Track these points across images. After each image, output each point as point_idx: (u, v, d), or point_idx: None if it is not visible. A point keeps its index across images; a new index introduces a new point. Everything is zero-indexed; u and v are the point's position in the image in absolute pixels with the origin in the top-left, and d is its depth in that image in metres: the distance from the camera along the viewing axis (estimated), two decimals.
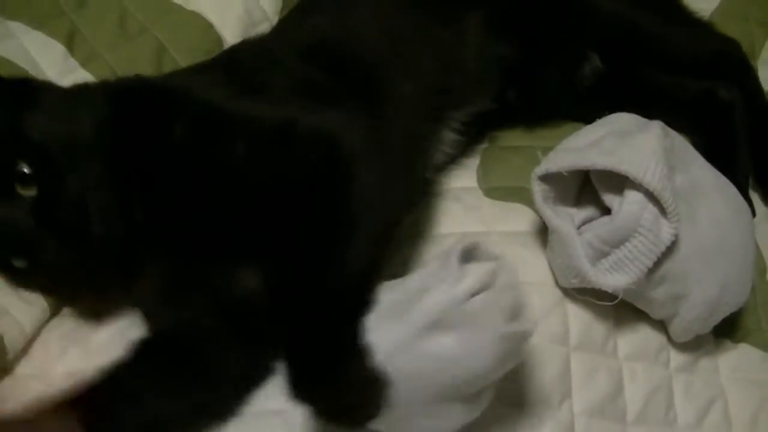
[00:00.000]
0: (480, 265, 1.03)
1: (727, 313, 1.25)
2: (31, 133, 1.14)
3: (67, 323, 1.27)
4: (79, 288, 1.24)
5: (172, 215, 1.18)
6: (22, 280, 1.23)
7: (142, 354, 1.14)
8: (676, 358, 1.29)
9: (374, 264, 1.10)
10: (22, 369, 1.23)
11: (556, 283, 1.27)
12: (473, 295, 1.00)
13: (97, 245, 1.14)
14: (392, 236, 1.18)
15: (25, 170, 1.12)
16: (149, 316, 1.21)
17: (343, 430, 1.07)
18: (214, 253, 1.18)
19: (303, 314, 1.04)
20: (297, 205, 1.12)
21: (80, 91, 1.24)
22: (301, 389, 1.01)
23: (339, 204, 1.12)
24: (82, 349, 1.23)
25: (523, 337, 1.02)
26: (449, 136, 1.41)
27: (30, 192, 1.12)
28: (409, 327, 1.00)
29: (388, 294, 1.06)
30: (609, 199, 1.21)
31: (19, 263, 1.16)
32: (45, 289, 1.26)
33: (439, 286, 1.00)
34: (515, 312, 1.03)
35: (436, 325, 0.99)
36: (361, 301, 1.04)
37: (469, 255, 1.04)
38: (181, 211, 1.18)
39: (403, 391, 1.00)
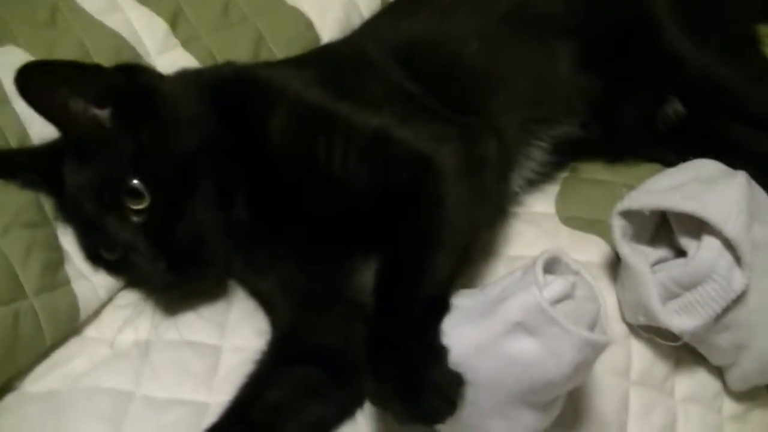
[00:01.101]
0: (563, 277, 1.07)
1: None
2: (143, 146, 1.20)
3: (140, 293, 1.32)
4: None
5: (272, 211, 1.24)
6: (108, 268, 1.29)
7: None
8: (730, 406, 1.33)
9: (453, 276, 1.15)
10: (92, 332, 1.29)
11: (623, 318, 1.31)
12: (556, 302, 1.04)
13: (204, 269, 1.23)
14: (472, 251, 1.24)
15: (137, 185, 1.17)
16: (270, 310, 1.29)
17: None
18: (317, 249, 1.24)
19: (384, 321, 1.09)
20: (387, 213, 1.18)
21: (183, 88, 1.30)
22: (382, 393, 1.05)
23: (425, 221, 1.17)
24: (152, 321, 1.28)
25: (600, 347, 1.06)
26: (538, 154, 1.46)
27: (141, 205, 1.18)
28: (491, 328, 1.04)
29: (468, 299, 1.11)
30: (686, 242, 1.25)
31: (109, 256, 1.24)
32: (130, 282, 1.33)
33: (524, 290, 1.04)
34: (594, 323, 1.07)
35: (519, 327, 1.03)
36: (439, 309, 1.09)
37: (551, 267, 1.09)
38: (280, 206, 1.24)
39: (478, 391, 1.05)
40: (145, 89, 1.26)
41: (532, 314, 1.03)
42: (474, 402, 1.05)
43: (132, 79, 1.26)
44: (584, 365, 1.06)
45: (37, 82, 1.17)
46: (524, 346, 1.03)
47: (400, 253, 1.15)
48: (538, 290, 1.03)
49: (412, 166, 1.21)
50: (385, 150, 1.23)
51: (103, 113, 1.21)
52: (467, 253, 1.21)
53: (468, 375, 1.04)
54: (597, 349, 1.06)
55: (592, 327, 1.07)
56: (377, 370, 1.06)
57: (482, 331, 1.05)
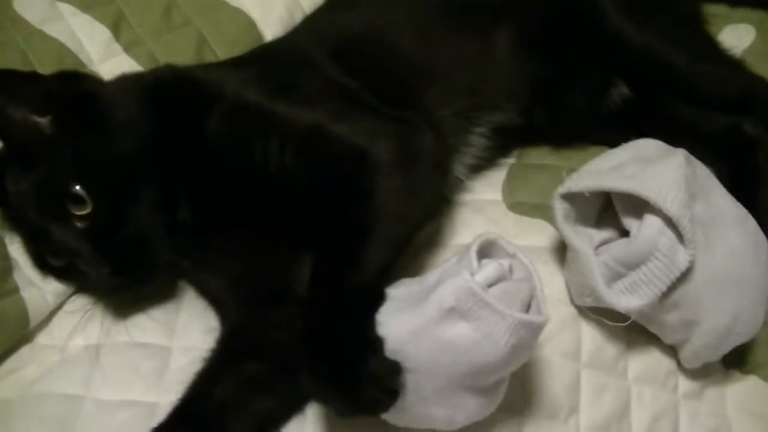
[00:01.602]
0: (498, 260, 1.09)
1: (738, 344, 1.29)
2: (84, 152, 1.22)
3: (89, 298, 1.34)
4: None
5: (215, 210, 1.27)
6: (56, 274, 1.31)
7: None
8: (685, 384, 1.34)
9: (387, 267, 1.17)
10: (42, 339, 1.31)
11: (572, 300, 1.33)
12: (490, 285, 1.06)
13: (149, 271, 1.25)
14: (409, 243, 1.26)
15: (78, 191, 1.19)
16: (219, 308, 1.31)
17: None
18: (262, 246, 1.27)
19: (317, 314, 1.11)
20: (323, 206, 1.20)
21: (122, 93, 1.32)
22: (320, 388, 1.08)
23: (357, 213, 1.19)
24: (102, 324, 1.30)
25: (537, 328, 1.08)
26: (478, 141, 1.48)
27: (84, 211, 1.20)
28: (425, 314, 1.06)
29: (404, 288, 1.13)
30: (628, 222, 1.27)
31: (56, 262, 1.26)
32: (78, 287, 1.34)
33: (456, 275, 1.06)
34: (528, 303, 1.09)
35: (452, 312, 1.04)
36: (372, 299, 1.11)
37: (487, 251, 1.11)
38: (223, 205, 1.27)
39: (418, 378, 1.06)
40: (84, 95, 1.28)
41: (463, 298, 1.04)
42: (415, 390, 1.07)
43: (71, 86, 1.28)
44: (522, 346, 1.08)
45: None
46: (458, 331, 1.05)
47: (332, 246, 1.17)
48: (469, 274, 1.05)
49: (346, 160, 1.23)
50: (320, 146, 1.25)
51: (44, 121, 1.23)
52: (402, 244, 1.22)
53: (406, 363, 1.06)
54: (533, 329, 1.08)
55: (527, 307, 1.09)
56: (313, 364, 1.08)
57: (417, 318, 1.07)
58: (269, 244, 1.29)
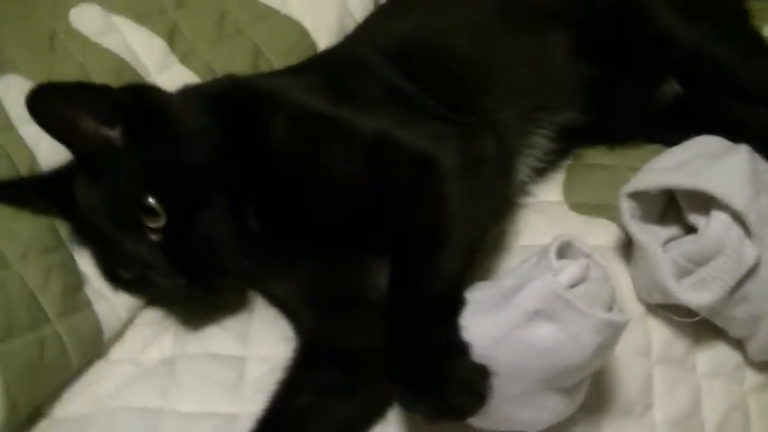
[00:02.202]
0: (575, 261, 1.11)
1: None
2: (156, 163, 1.24)
3: (161, 310, 1.36)
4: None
5: (282, 218, 1.29)
6: (127, 287, 1.33)
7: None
8: (752, 377, 1.37)
9: (464, 272, 1.19)
10: (116, 353, 1.33)
11: (639, 297, 1.35)
12: (572, 286, 1.08)
13: (222, 281, 1.27)
14: (479, 246, 1.27)
15: (152, 203, 1.21)
16: (291, 315, 1.33)
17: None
18: (330, 252, 1.29)
19: (400, 321, 1.13)
20: (393, 213, 1.22)
21: (188, 104, 1.34)
22: (408, 394, 1.10)
23: (430, 220, 1.21)
24: (175, 336, 1.32)
25: (620, 327, 1.10)
26: (541, 143, 1.50)
27: (157, 223, 1.22)
28: (510, 318, 1.08)
29: (484, 292, 1.15)
30: (695, 218, 1.29)
31: (127, 274, 1.28)
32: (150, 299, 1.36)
33: (539, 277, 1.08)
34: (611, 303, 1.11)
35: (537, 314, 1.07)
36: (454, 304, 1.13)
37: (563, 252, 1.13)
38: (290, 213, 1.28)
39: (504, 381, 1.08)
40: (152, 107, 1.29)
41: (549, 301, 1.06)
42: (500, 392, 1.09)
43: (139, 98, 1.29)
44: (606, 346, 1.10)
45: (48, 104, 1.20)
46: (544, 333, 1.07)
47: (408, 254, 1.19)
48: (553, 276, 1.07)
49: (413, 167, 1.25)
50: (386, 152, 1.27)
51: (113, 132, 1.25)
52: (475, 248, 1.24)
53: (492, 366, 1.08)
54: (616, 328, 1.10)
55: (609, 307, 1.11)
56: (399, 370, 1.10)
57: (501, 322, 1.09)
58: (337, 250, 1.30)
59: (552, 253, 1.11)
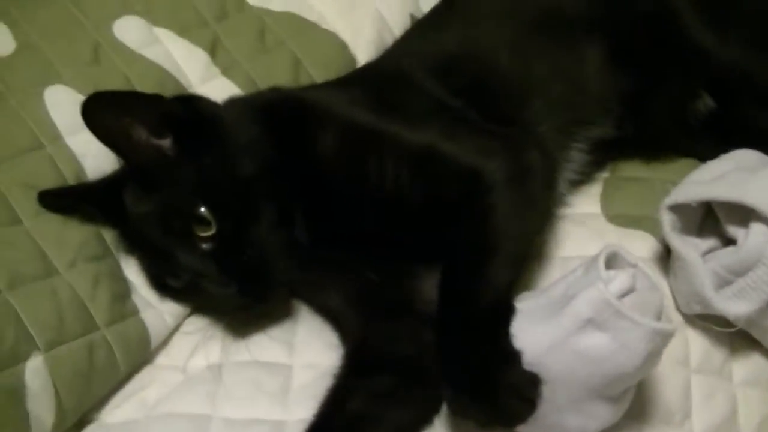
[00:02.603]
0: (624, 270, 1.14)
1: None
2: (207, 173, 1.26)
3: (206, 318, 1.39)
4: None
5: (330, 228, 1.31)
6: (175, 295, 1.35)
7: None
8: None
9: (514, 282, 1.22)
10: (163, 360, 1.35)
11: (677, 308, 1.38)
12: (621, 296, 1.11)
13: (272, 290, 1.29)
14: (527, 256, 1.31)
15: (204, 213, 1.24)
16: (338, 324, 1.35)
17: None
18: (378, 262, 1.32)
19: (452, 329, 1.16)
20: (442, 224, 1.25)
21: (237, 114, 1.36)
22: (460, 401, 1.13)
23: (480, 231, 1.24)
24: (222, 344, 1.35)
25: (669, 336, 1.12)
26: (578, 156, 1.53)
27: (208, 232, 1.24)
28: (562, 326, 1.11)
29: (533, 301, 1.18)
30: (733, 230, 1.32)
31: (175, 283, 1.30)
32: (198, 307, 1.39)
33: (591, 286, 1.10)
34: (659, 312, 1.14)
35: (589, 323, 1.09)
36: (505, 313, 1.16)
37: (610, 262, 1.16)
38: (337, 224, 1.31)
39: (554, 389, 1.11)
40: (203, 117, 1.32)
41: (600, 310, 1.09)
42: (550, 400, 1.12)
43: (189, 108, 1.31)
44: (654, 354, 1.13)
45: (102, 112, 1.22)
46: (596, 342, 1.10)
47: (459, 263, 1.22)
48: (604, 286, 1.10)
49: (462, 180, 1.28)
50: (435, 166, 1.29)
51: (165, 142, 1.27)
52: (523, 258, 1.28)
53: (543, 374, 1.11)
54: (665, 337, 1.12)
55: (658, 316, 1.14)
56: (452, 378, 1.13)
57: (553, 330, 1.12)
58: (385, 261, 1.33)
59: (601, 263, 1.13)
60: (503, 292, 1.19)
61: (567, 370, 1.12)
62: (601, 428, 1.18)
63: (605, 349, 1.10)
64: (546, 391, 1.11)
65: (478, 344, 1.13)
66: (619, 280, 1.12)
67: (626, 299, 1.11)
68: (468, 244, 1.23)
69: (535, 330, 1.13)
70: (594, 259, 1.15)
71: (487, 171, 1.27)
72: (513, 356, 1.11)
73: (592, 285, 1.11)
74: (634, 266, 1.16)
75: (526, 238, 1.29)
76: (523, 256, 1.27)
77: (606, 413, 1.17)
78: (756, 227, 1.28)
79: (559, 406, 1.14)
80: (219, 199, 1.26)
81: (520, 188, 1.28)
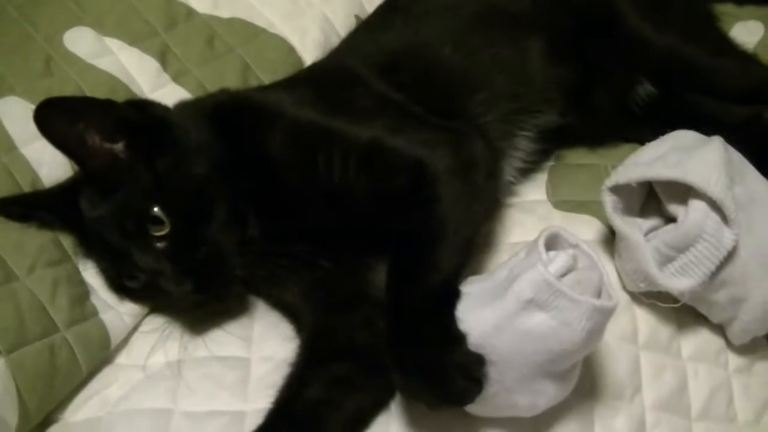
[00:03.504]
0: (565, 250, 1.19)
1: None
2: (160, 175, 1.31)
3: (165, 317, 1.43)
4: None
5: (282, 224, 1.36)
6: (133, 296, 1.40)
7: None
8: (734, 360, 1.45)
9: (460, 268, 1.27)
10: (123, 359, 1.40)
11: (624, 287, 1.43)
12: (562, 275, 1.16)
13: (227, 287, 1.34)
14: (473, 244, 1.35)
15: (158, 213, 1.29)
16: (295, 318, 1.40)
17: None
18: (331, 255, 1.37)
19: (400, 314, 1.21)
20: (390, 215, 1.30)
21: (188, 117, 1.41)
22: (410, 384, 1.18)
23: (426, 219, 1.29)
24: (181, 341, 1.39)
25: (609, 312, 1.17)
26: (525, 144, 1.59)
27: (162, 231, 1.29)
28: (505, 308, 1.16)
29: (478, 285, 1.23)
30: (673, 208, 1.37)
31: (132, 284, 1.34)
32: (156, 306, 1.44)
33: (531, 268, 1.16)
34: (599, 289, 1.19)
35: (531, 303, 1.15)
36: (450, 297, 1.21)
37: (551, 243, 1.21)
38: (289, 220, 1.36)
39: (502, 369, 1.17)
40: (155, 121, 1.37)
41: (541, 290, 1.14)
42: (499, 380, 1.17)
43: (142, 112, 1.36)
44: (596, 331, 1.18)
45: (56, 118, 1.27)
46: (538, 321, 1.15)
47: (406, 251, 1.27)
48: (543, 267, 1.15)
49: (407, 171, 1.33)
50: (381, 159, 1.35)
51: (118, 146, 1.32)
52: (469, 245, 1.32)
53: (490, 355, 1.16)
54: (605, 313, 1.18)
55: (598, 293, 1.19)
56: (401, 362, 1.18)
57: (497, 312, 1.16)
58: (338, 253, 1.38)
59: (541, 245, 1.18)
60: (449, 276, 1.23)
61: (513, 349, 1.17)
62: (550, 404, 1.23)
63: (547, 327, 1.15)
64: (494, 371, 1.16)
65: (424, 328, 1.18)
66: (559, 260, 1.17)
67: (566, 278, 1.16)
68: (415, 233, 1.28)
69: (481, 312, 1.18)
70: (535, 241, 1.20)
71: (431, 162, 1.32)
72: (458, 338, 1.16)
73: (532, 267, 1.16)
74: (575, 246, 1.21)
75: (471, 226, 1.33)
76: (469, 242, 1.31)
77: (554, 390, 1.22)
78: (695, 204, 1.33)
79: (507, 385, 1.19)
80: (172, 200, 1.30)
81: (464, 178, 1.33)
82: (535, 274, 1.15)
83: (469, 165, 1.35)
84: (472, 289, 1.23)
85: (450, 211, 1.30)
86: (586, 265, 1.20)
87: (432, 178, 1.31)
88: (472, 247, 1.35)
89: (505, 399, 1.20)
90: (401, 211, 1.30)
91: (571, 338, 1.16)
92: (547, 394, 1.22)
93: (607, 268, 1.39)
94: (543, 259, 1.17)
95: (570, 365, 1.22)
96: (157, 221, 1.29)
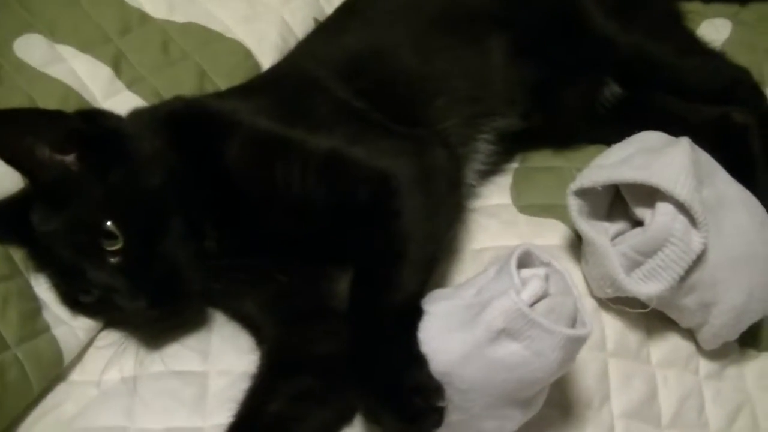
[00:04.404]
0: (535, 271, 1.17)
1: (754, 320, 1.39)
2: (112, 188, 1.28)
3: (120, 331, 1.40)
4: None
5: (241, 236, 1.34)
6: (86, 311, 1.37)
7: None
8: (705, 366, 1.44)
9: (423, 285, 1.25)
10: (77, 376, 1.37)
11: (591, 293, 1.42)
12: (535, 302, 1.14)
13: (184, 302, 1.32)
14: (438, 258, 1.34)
15: (111, 227, 1.25)
16: (255, 329, 1.37)
17: None
18: (291, 266, 1.35)
19: (361, 333, 1.19)
20: (351, 227, 1.28)
21: (141, 127, 1.38)
22: (369, 403, 1.17)
23: (389, 235, 1.27)
24: (136, 356, 1.36)
25: (583, 340, 1.16)
26: (485, 147, 1.57)
27: (116, 246, 1.26)
28: (475, 336, 1.13)
29: (445, 304, 1.20)
30: (640, 212, 1.35)
31: (86, 298, 1.31)
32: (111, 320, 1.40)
33: (504, 295, 1.13)
34: (574, 316, 1.17)
35: (502, 333, 1.12)
36: (412, 317, 1.19)
37: (522, 260, 1.19)
38: (248, 231, 1.34)
39: (470, 396, 1.15)
40: (106, 131, 1.33)
41: (513, 319, 1.12)
42: (465, 408, 1.15)
43: (93, 123, 1.33)
44: (568, 359, 1.17)
45: (3, 132, 1.24)
46: (509, 351, 1.13)
47: (369, 268, 1.25)
48: (516, 295, 1.12)
49: (368, 183, 1.31)
50: (341, 170, 1.33)
51: (69, 158, 1.29)
52: (432, 261, 1.30)
53: (458, 383, 1.14)
54: (579, 342, 1.16)
55: (572, 319, 1.17)
56: (361, 382, 1.17)
57: (467, 340, 1.14)
58: (298, 264, 1.35)
59: (513, 267, 1.16)
60: (412, 295, 1.22)
61: (482, 378, 1.15)
62: (517, 427, 1.21)
63: (519, 357, 1.13)
64: (460, 399, 1.15)
65: (385, 348, 1.16)
66: (532, 286, 1.15)
67: (539, 305, 1.14)
68: (377, 250, 1.27)
69: (449, 339, 1.16)
70: (506, 261, 1.18)
71: (391, 174, 1.31)
72: (419, 360, 1.14)
73: (505, 294, 1.13)
74: (548, 264, 1.20)
75: (435, 241, 1.31)
76: (432, 258, 1.30)
77: (521, 414, 1.20)
78: (662, 207, 1.31)
79: (474, 413, 1.17)
80: (125, 213, 1.27)
81: (426, 190, 1.32)
82: (508, 302, 1.13)
83: (431, 176, 1.34)
84: (437, 309, 1.20)
85: (413, 226, 1.28)
86: (559, 289, 1.18)
87: (394, 192, 1.30)
88: (436, 262, 1.33)
89: (471, 426, 1.19)
90: (362, 224, 1.28)
91: (543, 367, 1.14)
92: (515, 419, 1.20)
93: (574, 273, 1.40)
94: (516, 283, 1.14)
95: (539, 390, 1.20)
96: (111, 236, 1.26)
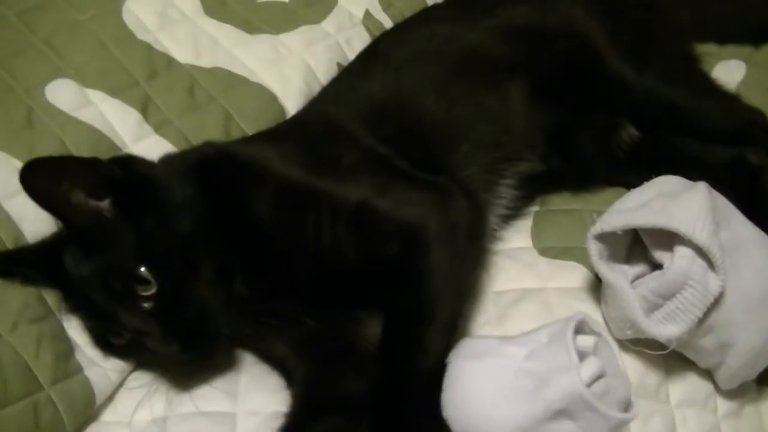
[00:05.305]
0: (586, 341, 1.23)
1: None
2: (146, 233, 1.32)
3: (151, 373, 1.44)
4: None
5: (269, 281, 1.37)
6: (118, 353, 1.40)
7: None
8: (723, 405, 1.47)
9: (447, 347, 1.29)
10: (108, 416, 1.40)
11: (611, 334, 1.44)
12: (592, 382, 1.19)
13: (215, 345, 1.35)
14: (461, 315, 1.39)
15: (144, 273, 1.29)
16: (286, 371, 1.41)
17: None
18: (320, 310, 1.39)
19: (388, 395, 1.24)
20: (379, 277, 1.33)
21: (172, 173, 1.42)
22: None
23: (417, 295, 1.32)
24: (166, 397, 1.40)
25: (628, 422, 1.22)
26: (507, 192, 1.61)
27: (149, 292, 1.30)
28: (536, 412, 1.19)
29: (492, 360, 1.25)
30: (659, 255, 1.38)
31: (118, 341, 1.35)
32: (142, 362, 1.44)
33: (565, 374, 1.18)
34: (626, 401, 1.23)
35: (561, 413, 1.18)
36: (436, 382, 1.24)
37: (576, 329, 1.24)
38: (276, 277, 1.37)
39: None
40: (139, 178, 1.37)
41: (574, 402, 1.17)
42: None
43: (126, 169, 1.37)
44: None
45: (40, 178, 1.27)
46: (563, 428, 1.19)
47: (396, 329, 1.30)
48: (579, 379, 1.17)
49: (396, 237, 1.35)
50: (370, 222, 1.36)
51: (103, 204, 1.32)
52: (457, 318, 1.36)
53: None
54: (626, 423, 1.23)
55: (623, 403, 1.23)
56: None
57: (526, 414, 1.19)
58: (326, 309, 1.39)
59: (570, 341, 1.21)
60: (438, 359, 1.26)
61: None
62: None
63: None
64: None
65: (410, 411, 1.22)
66: (590, 366, 1.20)
67: (595, 386, 1.19)
68: (405, 309, 1.31)
69: (507, 407, 1.21)
70: (561, 330, 1.24)
71: (419, 230, 1.35)
72: (442, 427, 1.21)
73: (566, 373, 1.18)
74: (598, 335, 1.25)
75: (460, 297, 1.37)
76: (457, 316, 1.35)
77: None
78: (680, 250, 1.34)
79: None
80: (158, 259, 1.31)
81: (452, 245, 1.36)
82: (571, 385, 1.18)
83: (456, 230, 1.38)
84: (484, 367, 1.25)
85: (440, 286, 1.32)
86: (612, 372, 1.23)
87: (421, 248, 1.34)
88: (459, 318, 1.38)
89: None
90: (390, 276, 1.33)
91: None
92: None
93: (594, 314, 1.43)
94: (574, 361, 1.19)
95: None
96: (144, 281, 1.30)
